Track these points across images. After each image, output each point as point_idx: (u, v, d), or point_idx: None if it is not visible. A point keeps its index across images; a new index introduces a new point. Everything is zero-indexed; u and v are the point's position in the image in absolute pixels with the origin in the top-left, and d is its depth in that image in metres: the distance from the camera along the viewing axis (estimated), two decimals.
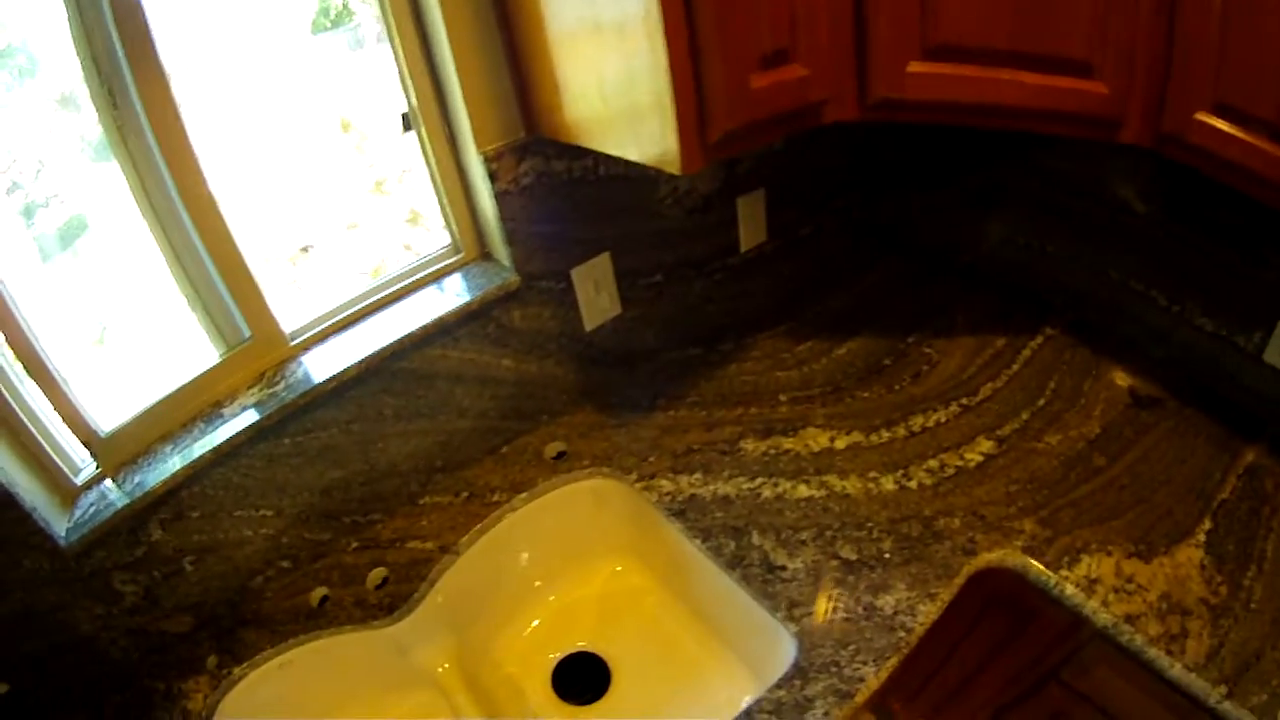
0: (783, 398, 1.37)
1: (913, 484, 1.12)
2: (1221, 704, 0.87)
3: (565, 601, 1.36)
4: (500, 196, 1.18)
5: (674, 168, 0.93)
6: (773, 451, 1.25)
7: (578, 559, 1.38)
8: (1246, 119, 0.80)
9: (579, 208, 1.28)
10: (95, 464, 1.13)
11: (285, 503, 1.22)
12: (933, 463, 1.15)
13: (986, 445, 1.16)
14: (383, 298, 1.29)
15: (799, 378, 1.40)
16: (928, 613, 0.97)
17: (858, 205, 1.69)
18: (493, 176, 1.17)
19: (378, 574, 1.24)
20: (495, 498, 1.32)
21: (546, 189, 1.23)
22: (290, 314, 1.23)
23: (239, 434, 1.12)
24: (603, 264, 1.35)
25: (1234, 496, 1.09)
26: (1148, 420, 1.19)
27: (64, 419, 1.08)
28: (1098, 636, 0.99)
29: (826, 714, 0.86)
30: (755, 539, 1.11)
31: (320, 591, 1.23)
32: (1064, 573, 0.99)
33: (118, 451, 1.14)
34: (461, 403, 1.32)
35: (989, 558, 1.03)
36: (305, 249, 1.71)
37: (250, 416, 1.14)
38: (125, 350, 1.29)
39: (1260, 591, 0.97)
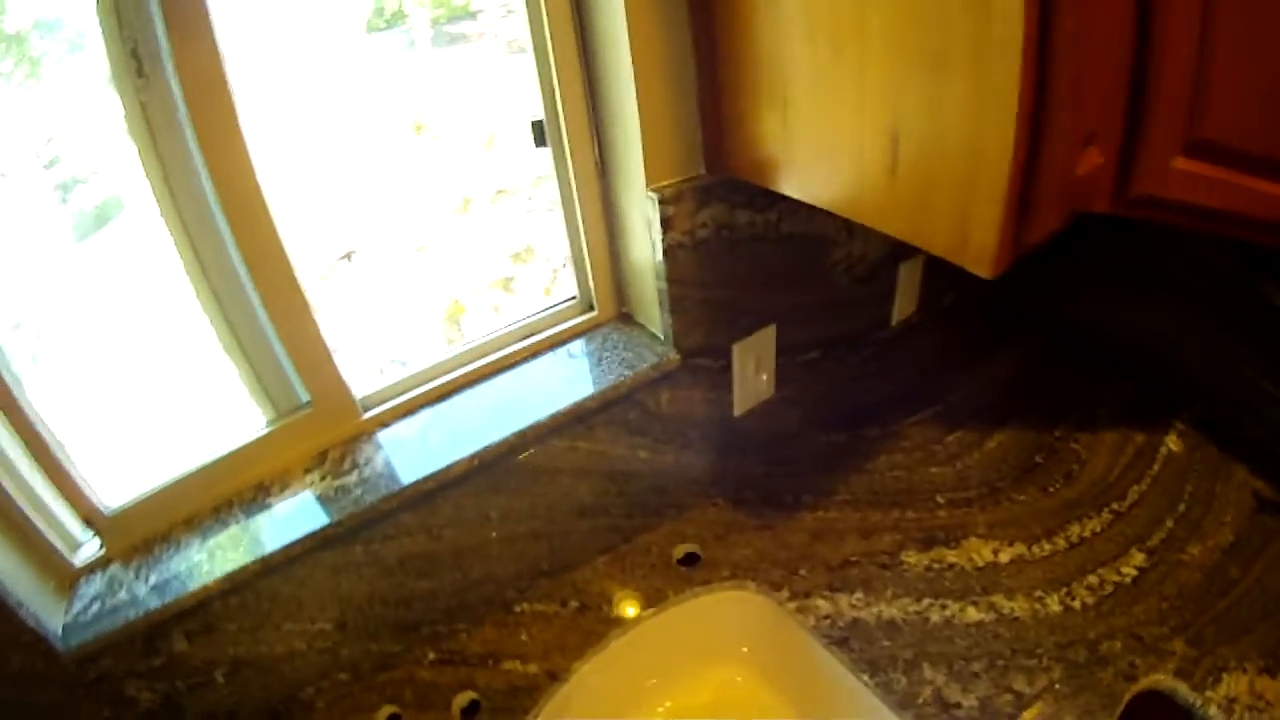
0: (940, 499, 1.19)
1: (1076, 604, 1.03)
2: None
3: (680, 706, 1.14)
4: (670, 251, 0.88)
5: (980, 267, 0.65)
6: (936, 566, 1.08)
7: (694, 662, 1.13)
8: None
9: (754, 270, 1.00)
10: (99, 543, 0.88)
11: (349, 615, 0.96)
12: (1093, 578, 1.06)
13: (1139, 558, 1.09)
14: (491, 363, 0.99)
15: (953, 475, 1.24)
16: None
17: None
18: (665, 223, 0.86)
19: (464, 697, 0.98)
20: (613, 611, 1.05)
21: (723, 245, 0.93)
22: (350, 364, 0.95)
23: (296, 543, 0.85)
24: (767, 338, 1.06)
25: None
26: (1273, 526, 1.12)
27: (58, 489, 0.82)
28: None
29: None
30: (927, 672, 0.94)
31: (388, 710, 0.97)
32: (1209, 693, 0.92)
33: (127, 532, 0.89)
34: (583, 501, 1.05)
35: (1146, 682, 0.95)
36: (348, 255, 1.40)
37: (311, 515, 0.87)
38: (140, 396, 1.01)
39: None
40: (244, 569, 0.84)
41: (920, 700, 0.92)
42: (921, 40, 0.62)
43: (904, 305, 1.29)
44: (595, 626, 1.04)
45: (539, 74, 0.87)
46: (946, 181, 0.65)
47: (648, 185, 0.85)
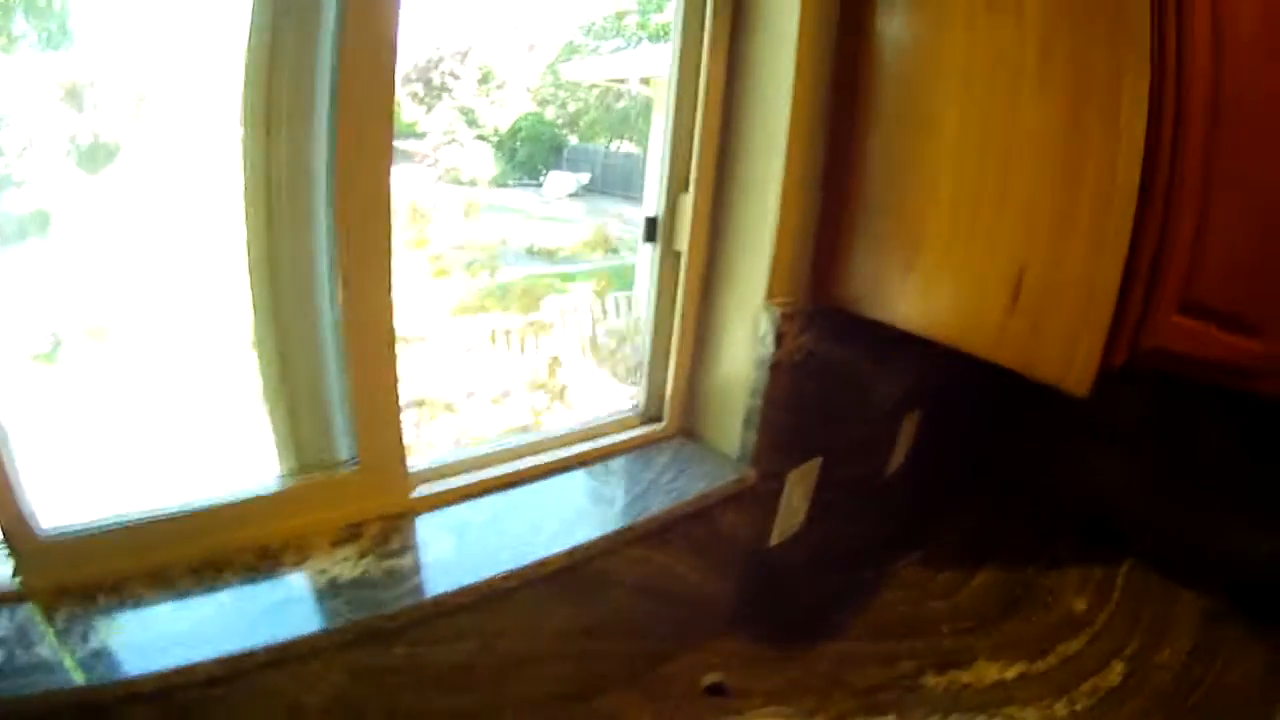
0: (944, 629, 1.27)
1: (1079, 708, 1.13)
2: None
3: None
4: (774, 367, 0.90)
5: (1081, 387, 0.76)
6: (954, 686, 1.14)
7: None
8: None
9: (819, 401, 1.03)
10: (11, 570, 0.66)
11: None
12: (1086, 686, 1.17)
13: (1120, 667, 1.22)
14: (556, 461, 0.89)
15: (949, 609, 1.33)
16: None
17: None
18: (778, 339, 0.89)
19: None
20: None
21: (808, 372, 0.96)
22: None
23: (329, 634, 0.66)
24: (814, 470, 1.07)
25: None
26: (1222, 633, 1.33)
27: None
28: None
29: None
30: None
31: None
32: None
33: (60, 566, 0.67)
34: (631, 619, 0.93)
35: None
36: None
37: (353, 600, 0.69)
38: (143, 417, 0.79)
39: None
40: (244, 658, 0.63)
41: None
42: (1055, 201, 0.77)
43: (900, 454, 1.39)
44: None
45: (669, 167, 0.90)
46: (1061, 315, 0.77)
47: (767, 298, 0.89)
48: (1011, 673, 1.23)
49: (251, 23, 0.66)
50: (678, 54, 0.87)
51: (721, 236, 0.93)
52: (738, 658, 1.12)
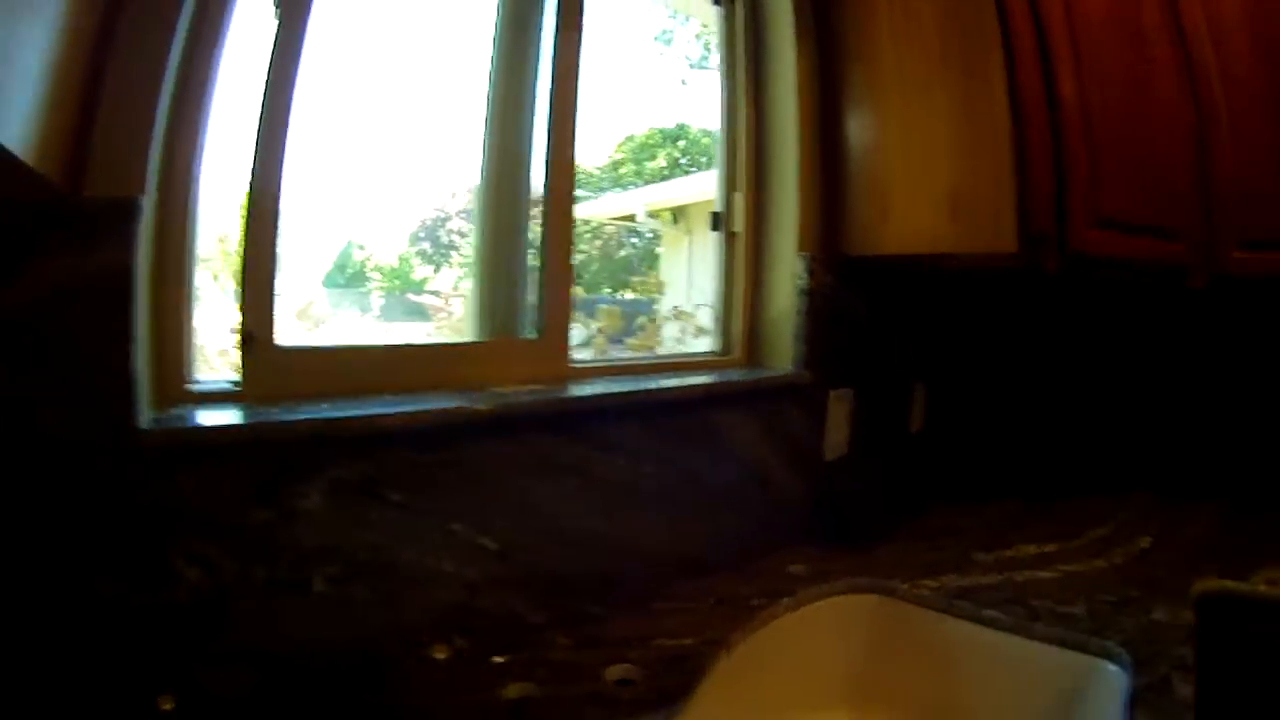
0: (981, 533, 1.42)
1: (1117, 561, 1.27)
2: None
3: None
4: (809, 294, 1.25)
5: (1010, 245, 1.09)
6: (1001, 557, 1.29)
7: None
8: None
9: (847, 340, 1.35)
10: (238, 376, 0.78)
11: (520, 538, 0.90)
12: (1120, 551, 1.32)
13: (1147, 540, 1.37)
14: (657, 363, 1.20)
15: (982, 521, 1.50)
16: (1189, 618, 1.05)
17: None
18: (810, 274, 1.25)
19: (619, 670, 0.85)
20: (754, 602, 1.04)
21: (831, 307, 1.31)
22: None
23: (523, 406, 0.88)
24: (848, 396, 1.36)
25: None
26: (1242, 518, 1.55)
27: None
28: None
29: (1184, 682, 0.87)
30: (1035, 603, 1.09)
31: (522, 688, 0.80)
32: (1252, 580, 1.15)
33: (287, 378, 0.79)
34: (735, 488, 1.16)
35: (1202, 588, 1.13)
36: None
37: (539, 398, 0.91)
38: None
39: None
40: (453, 411, 0.80)
41: (1038, 618, 1.04)
42: (965, 146, 1.15)
43: (916, 416, 1.65)
44: (739, 613, 1.01)
45: (724, 181, 1.30)
46: (983, 213, 1.13)
47: (799, 250, 1.25)
48: (1051, 547, 1.37)
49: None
50: (724, 101, 1.31)
51: (764, 218, 1.32)
52: (814, 557, 1.26)
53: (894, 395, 1.62)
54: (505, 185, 1.04)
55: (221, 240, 0.92)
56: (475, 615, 0.88)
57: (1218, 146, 1.46)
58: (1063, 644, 1.02)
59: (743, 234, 1.31)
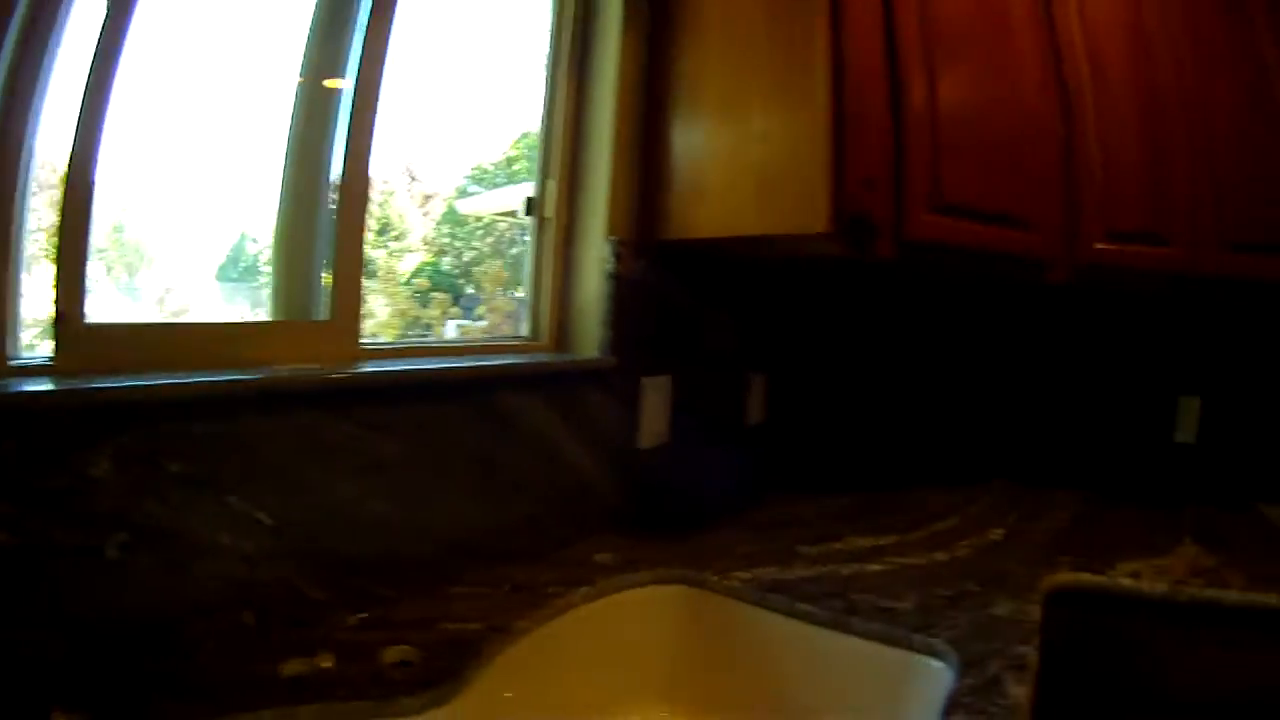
0: (814, 525, 1.58)
1: (961, 554, 1.41)
2: None
3: None
4: (615, 278, 1.38)
5: (821, 224, 1.25)
6: (829, 550, 1.42)
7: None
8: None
9: (662, 326, 1.52)
10: (51, 351, 0.89)
11: (294, 515, 0.98)
12: (965, 543, 1.47)
13: (998, 533, 1.54)
14: (456, 346, 1.33)
15: (817, 512, 1.67)
16: (1033, 614, 1.16)
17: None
18: (616, 258, 1.38)
19: (397, 651, 0.94)
20: (550, 590, 1.15)
21: (643, 293, 1.45)
22: None
23: (289, 380, 0.98)
24: (666, 384, 1.50)
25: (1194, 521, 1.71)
26: (1102, 507, 1.80)
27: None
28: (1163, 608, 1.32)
29: (1018, 682, 0.94)
30: (856, 597, 1.19)
31: (300, 664, 0.89)
32: (1110, 573, 1.35)
33: (94, 352, 0.91)
34: (527, 473, 1.29)
35: (1054, 580, 1.32)
36: None
37: (314, 373, 1.01)
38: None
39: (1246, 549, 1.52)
40: (228, 385, 0.92)
41: (858, 612, 1.14)
42: (775, 132, 1.32)
43: (754, 408, 1.83)
44: (534, 600, 1.12)
45: (541, 164, 1.44)
46: (790, 195, 1.29)
47: (608, 234, 1.39)
48: (886, 541, 1.48)
49: None
50: (546, 87, 1.45)
51: (575, 205, 1.44)
52: (626, 545, 1.37)
53: (725, 384, 1.76)
54: (305, 172, 1.13)
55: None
56: (259, 589, 0.95)
57: (1083, 137, 1.66)
58: (884, 640, 1.09)
59: (553, 219, 1.41)
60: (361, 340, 1.18)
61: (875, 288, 2.14)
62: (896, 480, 1.97)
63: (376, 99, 1.17)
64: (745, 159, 1.36)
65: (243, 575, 0.94)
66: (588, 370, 1.37)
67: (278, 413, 0.97)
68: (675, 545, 1.38)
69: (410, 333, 1.56)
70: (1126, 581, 1.34)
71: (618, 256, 1.41)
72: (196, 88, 1.13)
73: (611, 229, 1.41)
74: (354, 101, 1.14)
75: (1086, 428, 2.11)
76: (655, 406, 1.50)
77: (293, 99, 1.15)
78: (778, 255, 1.64)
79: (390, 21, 1.17)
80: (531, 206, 1.45)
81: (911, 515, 1.67)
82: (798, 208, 1.28)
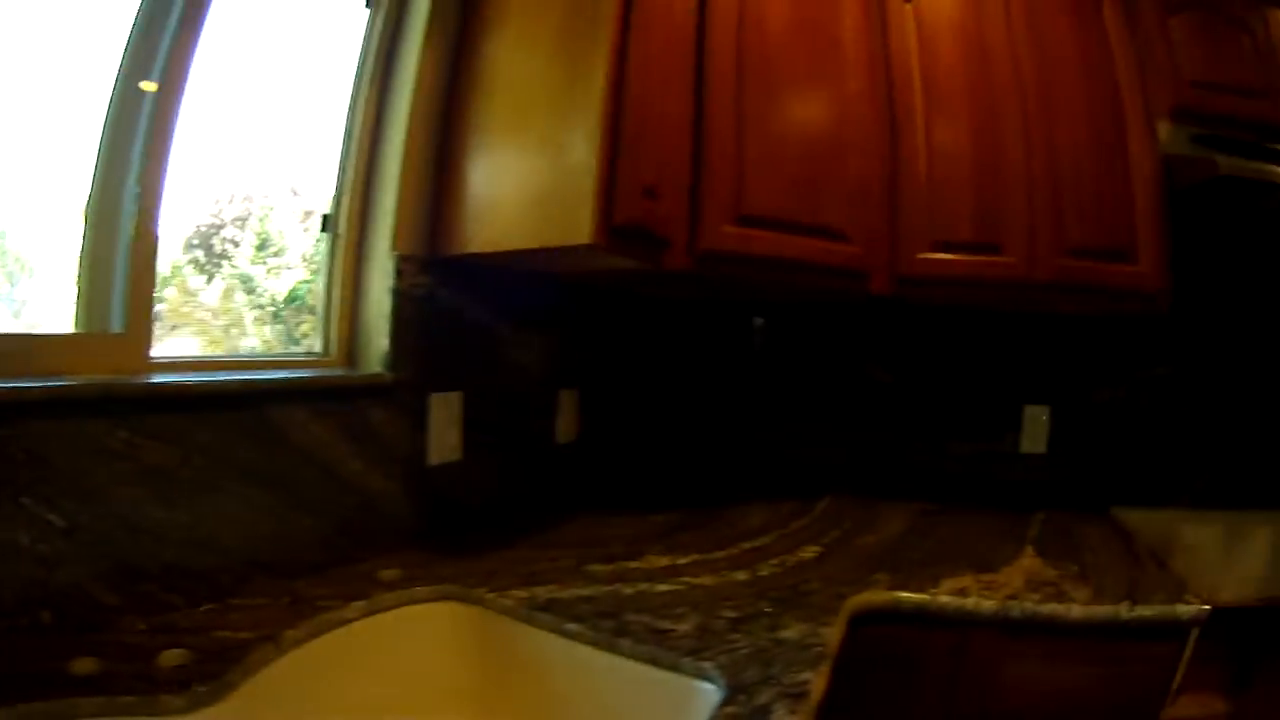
0: (617, 544, 1.73)
1: (764, 573, 1.54)
2: (1132, 613, 1.46)
3: None
4: (399, 293, 1.59)
5: (585, 237, 1.45)
6: (620, 569, 1.55)
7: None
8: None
9: (453, 342, 1.75)
10: None
11: (84, 519, 1.17)
12: (774, 561, 1.61)
13: (814, 550, 1.70)
14: (245, 360, 1.50)
15: (627, 532, 1.83)
16: (829, 636, 1.28)
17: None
18: (399, 275, 1.57)
19: (175, 655, 1.17)
20: (327, 604, 1.33)
21: (431, 310, 1.64)
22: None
23: (69, 386, 1.18)
24: (456, 401, 1.70)
25: (1039, 532, 1.92)
26: (942, 520, 1.99)
27: None
28: (987, 627, 1.48)
29: (791, 712, 1.04)
30: (631, 617, 1.31)
31: (89, 663, 1.12)
32: (932, 591, 1.47)
33: None
34: (306, 488, 1.47)
35: (860, 600, 1.45)
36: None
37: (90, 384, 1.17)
38: None
39: (1093, 566, 1.72)
40: (11, 390, 1.10)
41: (631, 633, 1.26)
42: (551, 147, 1.54)
43: (566, 425, 2.07)
44: (308, 612, 1.31)
45: (337, 184, 1.66)
46: (566, 205, 1.43)
47: (393, 249, 1.57)
48: (685, 559, 1.61)
49: None
50: (351, 101, 1.64)
51: (366, 220, 1.63)
52: (414, 562, 1.53)
53: (527, 401, 1.96)
54: (112, 178, 1.30)
55: None
56: (55, 590, 1.11)
57: (910, 147, 1.91)
58: (653, 662, 1.18)
59: (344, 235, 1.58)
60: (153, 354, 1.40)
61: (701, 302, 2.34)
62: (723, 497, 2.14)
63: (176, 109, 1.35)
64: (529, 170, 1.50)
65: (41, 576, 1.11)
66: (368, 386, 1.55)
67: (65, 419, 1.14)
68: (468, 562, 1.53)
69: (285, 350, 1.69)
70: (945, 599, 1.45)
71: (399, 272, 1.59)
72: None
73: (398, 244, 1.61)
74: (155, 110, 1.32)
75: (927, 439, 2.39)
76: (444, 423, 1.70)
77: (104, 108, 1.29)
78: (574, 269, 1.78)
79: (198, 30, 1.39)
80: (326, 223, 1.64)
81: (723, 533, 1.83)
82: (565, 219, 1.42)
